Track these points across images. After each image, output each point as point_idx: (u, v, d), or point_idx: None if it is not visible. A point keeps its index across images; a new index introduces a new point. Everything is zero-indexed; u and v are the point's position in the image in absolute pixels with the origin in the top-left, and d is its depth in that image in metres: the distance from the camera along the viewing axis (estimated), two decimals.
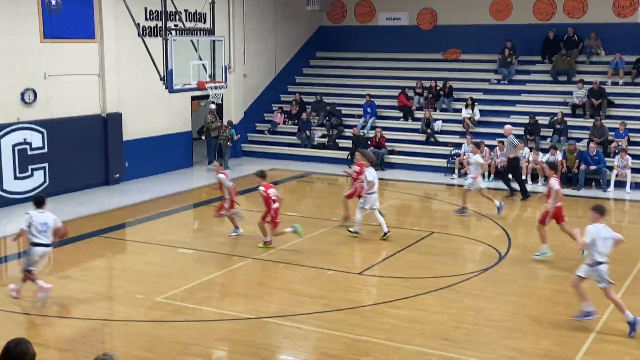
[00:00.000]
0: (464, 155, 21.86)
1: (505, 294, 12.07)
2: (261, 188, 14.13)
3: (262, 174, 14.42)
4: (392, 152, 23.56)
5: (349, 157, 23.49)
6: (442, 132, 24.00)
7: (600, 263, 10.09)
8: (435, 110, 24.67)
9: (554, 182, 13.52)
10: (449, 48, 27.31)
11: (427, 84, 25.53)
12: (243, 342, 9.96)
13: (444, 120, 24.32)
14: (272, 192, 14.16)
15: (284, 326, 10.58)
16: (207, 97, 18.75)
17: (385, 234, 14.84)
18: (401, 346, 9.81)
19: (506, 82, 25.29)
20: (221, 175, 14.94)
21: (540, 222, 13.74)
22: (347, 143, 24.11)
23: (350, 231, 15.23)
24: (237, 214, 15.13)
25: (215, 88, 16.49)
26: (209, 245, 14.62)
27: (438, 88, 25.22)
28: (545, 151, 21.13)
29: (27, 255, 11.36)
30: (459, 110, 24.20)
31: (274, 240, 14.30)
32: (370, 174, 14.98)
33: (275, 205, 14.14)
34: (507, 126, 20.00)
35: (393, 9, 28.47)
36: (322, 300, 11.58)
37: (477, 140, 19.36)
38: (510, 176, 19.58)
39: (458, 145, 22.72)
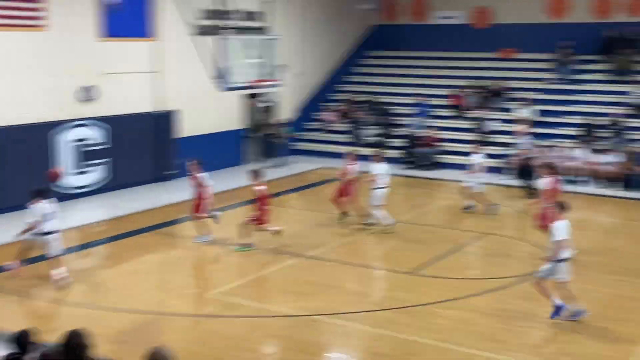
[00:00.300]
0: (519, 155, 21.57)
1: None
2: (259, 188, 13.97)
3: (257, 173, 14.18)
4: (444, 152, 23.36)
5: (401, 157, 23.41)
6: (496, 132, 23.69)
7: (565, 260, 10.34)
8: (489, 110, 24.37)
9: (547, 181, 13.71)
10: (504, 47, 26.93)
11: (481, 83, 25.23)
12: (293, 339, 10.03)
13: (498, 120, 23.99)
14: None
15: (333, 324, 10.62)
16: (260, 95, 18.94)
17: (371, 224, 15.52)
18: (451, 347, 9.74)
19: (563, 81, 24.83)
20: (204, 174, 14.55)
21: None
22: (399, 142, 24.01)
23: (385, 225, 15.46)
24: (214, 216, 14.79)
25: (269, 86, 16.62)
26: (261, 243, 14.74)
27: (493, 87, 24.90)
28: (601, 152, 20.68)
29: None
30: (514, 110, 23.85)
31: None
32: (380, 169, 15.46)
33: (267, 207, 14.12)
34: (521, 126, 20.69)
35: (447, 8, 28.22)
36: (372, 299, 11.58)
37: (479, 139, 19.34)
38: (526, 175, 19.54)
39: (513, 145, 22.38)
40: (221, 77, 15.62)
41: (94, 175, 18.61)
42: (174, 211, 17.50)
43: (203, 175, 14.46)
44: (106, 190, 18.76)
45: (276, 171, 22.63)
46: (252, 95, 23.30)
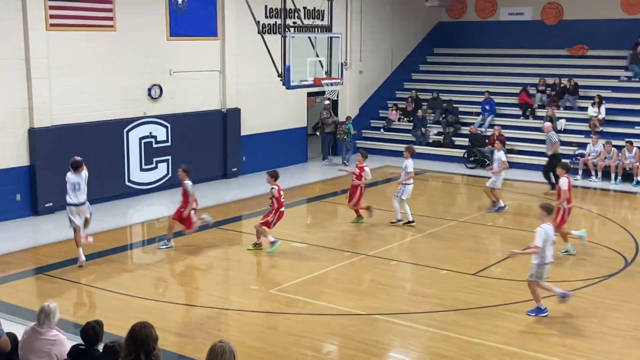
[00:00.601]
0: (588, 155, 21.03)
1: (631, 302, 11.44)
2: (275, 188, 13.66)
3: (275, 174, 13.87)
4: (511, 152, 22.91)
5: (465, 156, 23.10)
6: (566, 131, 23.11)
7: (547, 263, 10.51)
8: (558, 109, 23.81)
9: (565, 181, 13.70)
10: (575, 44, 26.27)
11: (550, 80, 24.67)
12: (354, 337, 9.97)
13: (568, 119, 23.41)
14: (282, 193, 13.80)
15: (395, 324, 10.51)
16: (323, 93, 18.92)
17: (410, 222, 15.58)
18: (517, 351, 9.52)
19: (637, 79, 24.03)
20: (188, 182, 14.00)
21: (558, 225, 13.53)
22: (464, 141, 23.69)
23: (406, 224, 15.64)
24: (204, 219, 14.45)
25: (331, 84, 16.58)
26: (322, 240, 14.74)
27: (562, 85, 24.31)
28: None
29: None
30: (585, 109, 23.23)
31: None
32: (411, 165, 15.61)
33: (283, 208, 13.89)
34: (547, 124, 20.44)
35: (516, 4, 27.70)
36: (435, 299, 11.42)
37: (502, 138, 19.05)
38: (551, 172, 19.02)
39: (583, 145, 21.82)
40: (284, 76, 15.66)
41: (161, 171, 18.94)
42: (237, 208, 17.69)
43: (187, 183, 13.94)
44: (172, 187, 19.05)
45: (337, 169, 22.60)
46: (315, 94, 23.33)
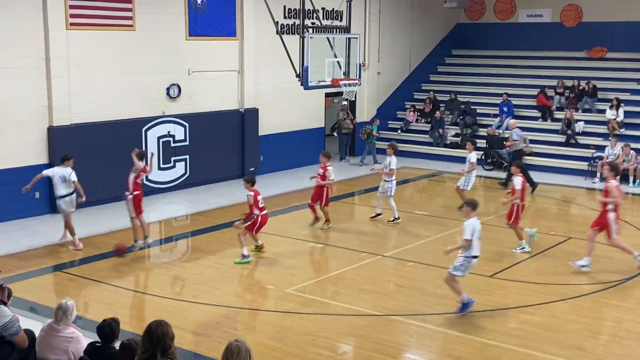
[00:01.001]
0: (607, 158, 20.89)
1: None
2: (251, 195, 13.28)
3: (252, 180, 13.55)
4: (529, 154, 22.80)
5: (482, 157, 23.01)
6: (584, 133, 22.98)
7: (476, 257, 10.54)
8: (577, 111, 23.67)
9: (520, 180, 13.81)
10: (594, 46, 26.11)
11: (569, 83, 24.53)
12: (369, 338, 9.97)
13: (587, 122, 23.28)
14: (259, 198, 13.43)
15: (411, 325, 10.50)
16: (340, 94, 18.94)
17: (395, 219, 15.91)
18: (533, 353, 9.48)
19: None
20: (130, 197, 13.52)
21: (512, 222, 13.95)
22: (481, 143, 23.59)
23: (390, 220, 15.93)
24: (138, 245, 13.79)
25: (349, 85, 16.59)
26: (339, 240, 14.74)
27: (581, 87, 24.15)
28: None
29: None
30: (603, 111, 23.08)
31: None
32: (394, 162, 15.98)
33: (265, 212, 13.49)
34: (512, 120, 20.92)
35: (535, 6, 27.57)
36: (451, 301, 11.37)
37: (472, 138, 19.07)
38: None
39: (601, 148, 21.69)
40: (302, 76, 15.68)
41: (179, 170, 19.03)
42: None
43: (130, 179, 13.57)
44: (190, 186, 19.17)
45: (356, 170, 22.62)
46: (332, 94, 23.34)
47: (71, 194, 13.84)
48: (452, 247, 10.99)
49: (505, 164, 22.37)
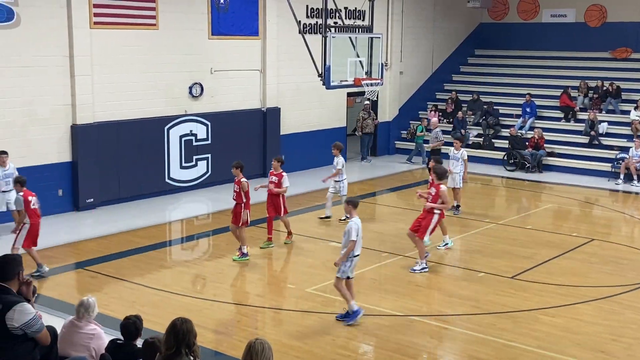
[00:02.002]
0: (631, 159, 20.70)
1: None
2: (245, 181, 13.11)
3: (241, 165, 13.35)
4: (551, 154, 22.65)
5: (505, 158, 22.88)
6: (608, 134, 22.77)
7: (357, 256, 10.35)
8: (600, 112, 23.46)
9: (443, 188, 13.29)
10: (618, 46, 25.84)
11: (592, 83, 24.31)
12: (389, 338, 9.96)
13: (610, 122, 23.05)
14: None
15: (431, 325, 10.47)
16: (362, 93, 18.92)
17: (326, 217, 15.98)
18: (554, 355, 9.42)
19: None
20: (20, 197, 12.03)
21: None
22: (504, 143, 23.46)
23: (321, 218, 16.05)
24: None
25: (371, 85, 16.57)
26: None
27: (605, 88, 23.92)
28: None
29: None
30: (627, 112, 22.84)
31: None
32: (342, 162, 15.82)
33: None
34: (434, 119, 21.28)
35: (559, 6, 27.34)
36: (472, 302, 11.34)
37: (460, 135, 18.68)
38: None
39: (625, 149, 21.48)
40: (325, 75, 15.69)
41: (200, 169, 19.13)
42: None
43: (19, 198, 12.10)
44: (211, 185, 19.24)
45: (377, 170, 22.59)
46: (354, 94, 23.32)
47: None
48: (341, 255, 10.36)
49: (528, 165, 22.24)
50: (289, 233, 14.41)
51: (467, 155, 17.08)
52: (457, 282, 12.54)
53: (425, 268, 12.73)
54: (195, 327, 5.79)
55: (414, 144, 24.00)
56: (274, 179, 14.19)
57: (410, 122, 25.70)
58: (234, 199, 13.29)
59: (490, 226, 15.94)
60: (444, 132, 25.11)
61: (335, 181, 15.94)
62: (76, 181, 16.47)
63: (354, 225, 10.25)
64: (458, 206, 16.88)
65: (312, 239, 14.82)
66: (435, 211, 12.91)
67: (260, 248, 13.89)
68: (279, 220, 14.48)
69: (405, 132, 24.80)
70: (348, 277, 10.44)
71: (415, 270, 12.71)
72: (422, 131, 23.61)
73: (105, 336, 7.32)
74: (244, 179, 13.15)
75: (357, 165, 23.25)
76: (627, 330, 10.27)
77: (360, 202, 11.03)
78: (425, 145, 22.59)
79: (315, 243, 14.54)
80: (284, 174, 14.18)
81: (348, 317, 10.37)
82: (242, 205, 13.13)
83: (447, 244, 14.16)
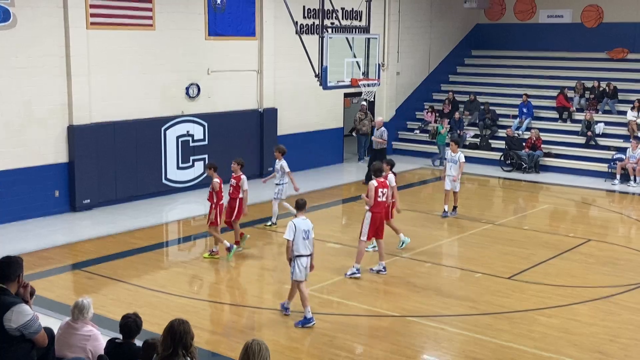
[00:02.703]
0: (628, 160, 20.74)
1: None
2: (217, 181, 13.09)
3: (214, 165, 13.43)
4: (548, 155, 22.68)
5: (502, 159, 22.90)
6: (604, 135, 22.80)
7: (301, 256, 10.15)
8: (597, 112, 23.49)
9: (391, 177, 13.49)
10: (614, 47, 25.88)
11: (589, 84, 24.35)
12: (387, 339, 9.96)
13: (607, 123, 23.10)
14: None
15: (428, 326, 10.48)
16: (359, 94, 18.92)
17: (272, 224, 15.39)
18: (551, 356, 9.43)
19: None
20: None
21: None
22: (500, 144, 23.49)
23: (267, 225, 15.52)
24: None
25: (368, 85, 16.57)
26: (357, 241, 14.69)
27: (601, 89, 23.97)
28: None
29: None
30: (624, 113, 22.88)
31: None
32: (286, 165, 15.23)
33: (223, 201, 13.31)
34: (379, 118, 20.42)
35: (555, 6, 27.38)
36: (469, 302, 11.35)
37: (457, 137, 18.48)
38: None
39: (621, 150, 21.52)
40: (322, 76, 15.69)
41: (197, 170, 19.11)
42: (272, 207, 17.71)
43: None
44: (208, 185, 19.14)
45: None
46: (351, 94, 23.32)
47: None
48: (288, 258, 10.40)
49: (525, 165, 22.27)
50: (237, 241, 13.73)
51: (465, 157, 16.87)
52: (454, 282, 12.55)
53: (357, 273, 12.41)
54: (192, 328, 5.78)
55: (436, 146, 23.54)
56: (233, 182, 13.64)
57: (425, 123, 25.71)
58: (230, 194, 13.58)
59: (487, 227, 15.95)
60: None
61: (276, 184, 15.43)
62: (73, 182, 16.44)
63: (290, 225, 10.15)
64: (455, 208, 16.79)
65: None
66: (365, 207, 12.67)
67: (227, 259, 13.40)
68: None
69: (427, 134, 24.45)
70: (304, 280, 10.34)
71: (346, 274, 12.51)
72: (443, 129, 23.26)
73: (101, 337, 7.31)
74: (216, 179, 13.13)
75: (354, 166, 23.26)
76: (624, 331, 10.29)
77: (306, 202, 10.75)
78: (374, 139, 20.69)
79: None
80: (243, 177, 13.61)
81: (302, 322, 10.31)
82: (213, 204, 13.21)
83: (403, 242, 14.05)
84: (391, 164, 13.97)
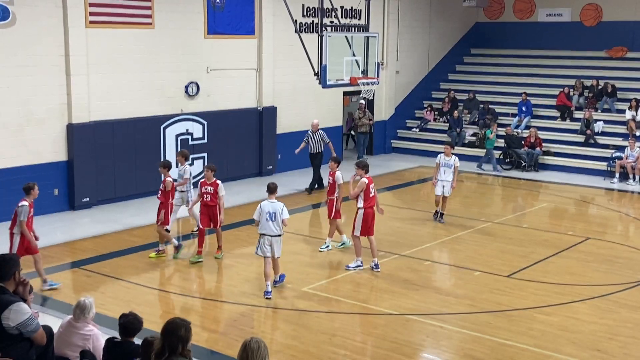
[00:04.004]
0: (626, 158, 20.75)
1: None
2: (170, 180, 12.94)
3: (169, 164, 13.32)
4: (547, 153, 22.69)
5: (501, 157, 22.90)
6: (603, 133, 22.82)
7: (264, 235, 11.27)
8: (596, 111, 23.50)
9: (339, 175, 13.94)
10: (614, 45, 25.89)
11: (588, 82, 24.35)
12: (385, 337, 9.97)
13: (606, 122, 23.11)
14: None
15: (427, 324, 10.48)
16: (358, 92, 18.92)
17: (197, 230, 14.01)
18: (550, 354, 9.43)
19: None
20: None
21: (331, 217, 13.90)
22: (500, 142, 23.48)
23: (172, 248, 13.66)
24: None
25: (367, 84, 16.57)
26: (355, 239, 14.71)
27: (600, 87, 23.97)
28: None
29: None
30: (623, 111, 22.90)
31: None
32: (188, 170, 14.37)
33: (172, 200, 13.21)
34: (315, 121, 19.13)
35: (554, 5, 27.39)
36: (468, 301, 11.36)
37: (451, 140, 18.12)
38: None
39: (620, 148, 21.53)
40: (321, 74, 15.69)
41: (197, 168, 19.09)
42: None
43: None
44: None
45: (373, 169, 22.56)
46: (350, 93, 23.32)
47: None
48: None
49: (524, 164, 22.27)
50: (219, 247, 13.40)
51: (459, 161, 16.21)
52: (453, 280, 12.56)
53: (361, 265, 12.81)
54: (190, 327, 5.79)
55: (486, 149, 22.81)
56: (209, 189, 13.02)
57: (424, 121, 25.71)
58: (208, 202, 13.05)
59: (486, 225, 15.95)
60: (441, 131, 25.19)
61: (181, 191, 14.29)
62: (72, 180, 16.45)
63: (258, 206, 11.37)
64: (442, 214, 16.02)
65: (308, 238, 14.82)
66: (357, 205, 12.81)
67: (190, 262, 12.98)
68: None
69: (475, 137, 23.84)
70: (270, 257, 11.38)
71: (349, 267, 12.85)
72: (491, 134, 22.45)
73: (102, 337, 7.31)
74: (169, 178, 13.02)
75: (353, 165, 23.18)
76: (623, 329, 10.30)
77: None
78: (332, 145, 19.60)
79: (311, 242, 14.54)
80: (218, 182, 13.00)
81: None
82: (164, 204, 13.05)
83: (343, 243, 14.06)
84: (338, 162, 14.37)
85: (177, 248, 13.33)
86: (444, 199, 15.97)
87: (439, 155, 16.22)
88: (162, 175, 13.26)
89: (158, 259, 13.26)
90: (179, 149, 18.57)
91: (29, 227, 11.20)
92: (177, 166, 14.74)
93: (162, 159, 18.21)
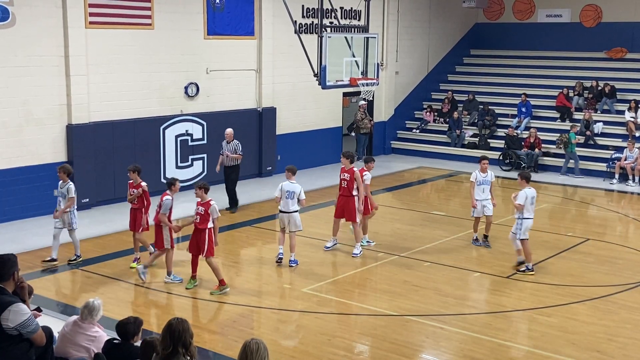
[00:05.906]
0: (624, 160, 20.76)
1: None
2: (145, 184, 12.74)
3: (139, 169, 12.88)
4: (547, 154, 22.69)
5: (500, 158, 22.90)
6: (603, 134, 22.82)
7: (281, 212, 12.85)
8: (595, 112, 23.50)
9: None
10: (613, 46, 25.90)
11: (587, 84, 24.36)
12: (385, 338, 9.97)
13: (605, 123, 23.11)
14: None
15: (426, 325, 10.48)
16: (358, 93, 18.92)
17: (77, 257, 12.97)
18: (550, 355, 9.44)
19: None
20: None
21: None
22: (499, 143, 23.50)
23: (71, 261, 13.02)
24: None
25: (367, 85, 16.57)
26: (356, 240, 14.70)
27: (600, 88, 23.98)
28: None
29: None
30: (622, 112, 22.90)
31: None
32: (72, 189, 12.76)
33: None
34: (228, 130, 17.00)
35: (554, 6, 27.40)
36: (468, 302, 11.37)
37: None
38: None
39: (620, 149, 21.53)
40: (320, 75, 15.69)
41: (196, 169, 19.12)
42: (271, 207, 17.70)
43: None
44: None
45: (374, 169, 22.54)
46: (350, 94, 23.32)
47: None
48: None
49: (524, 164, 22.26)
50: (220, 282, 11.61)
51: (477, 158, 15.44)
52: (453, 281, 12.55)
53: (366, 245, 13.85)
54: (191, 327, 5.79)
55: (567, 154, 21.86)
56: (200, 209, 11.54)
57: (424, 122, 25.70)
58: (197, 223, 11.64)
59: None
60: (441, 132, 25.19)
61: (65, 212, 12.72)
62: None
63: (279, 185, 12.86)
64: (486, 237, 14.49)
65: (308, 239, 14.81)
66: (353, 193, 13.59)
67: (186, 289, 11.75)
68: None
69: (557, 142, 22.55)
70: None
71: (356, 254, 13.47)
72: (575, 139, 21.80)
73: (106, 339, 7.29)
74: (143, 182, 12.81)
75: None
76: (623, 330, 10.30)
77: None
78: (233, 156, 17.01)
79: (311, 243, 14.53)
80: (212, 202, 11.54)
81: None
82: (143, 210, 12.77)
83: (334, 244, 14.08)
84: (348, 157, 14.07)
85: (137, 260, 12.75)
86: (487, 218, 14.36)
87: (473, 173, 14.48)
88: (135, 180, 12.78)
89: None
90: (178, 150, 18.61)
91: (169, 219, 11.93)
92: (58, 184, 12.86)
93: (161, 159, 18.26)
